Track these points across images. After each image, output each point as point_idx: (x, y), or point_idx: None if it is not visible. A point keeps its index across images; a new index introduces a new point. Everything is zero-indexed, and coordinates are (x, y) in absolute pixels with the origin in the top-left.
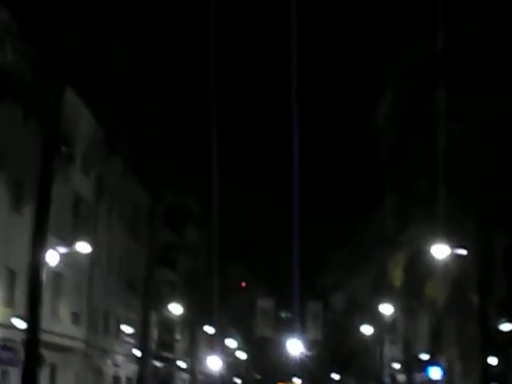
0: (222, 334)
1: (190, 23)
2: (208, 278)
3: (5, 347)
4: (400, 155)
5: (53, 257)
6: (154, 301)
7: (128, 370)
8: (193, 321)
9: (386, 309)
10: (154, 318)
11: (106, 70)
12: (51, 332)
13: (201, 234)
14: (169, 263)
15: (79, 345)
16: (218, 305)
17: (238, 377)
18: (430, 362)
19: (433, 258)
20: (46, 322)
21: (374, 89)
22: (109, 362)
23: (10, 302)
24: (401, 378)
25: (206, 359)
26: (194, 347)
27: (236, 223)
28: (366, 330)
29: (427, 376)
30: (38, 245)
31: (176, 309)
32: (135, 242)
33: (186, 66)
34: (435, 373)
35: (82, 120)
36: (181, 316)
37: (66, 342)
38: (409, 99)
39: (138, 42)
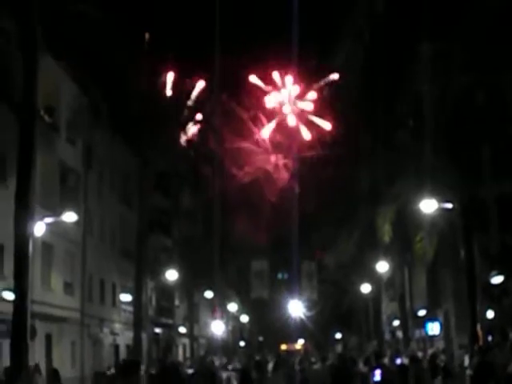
0: (222, 299)
1: None
2: (205, 244)
3: None
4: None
5: (40, 227)
6: (149, 267)
7: (127, 337)
8: (191, 286)
9: (382, 266)
10: (151, 284)
11: (84, 37)
12: (43, 303)
13: (196, 199)
14: (163, 229)
15: (74, 314)
16: (217, 269)
17: (242, 340)
18: (428, 318)
19: (420, 213)
20: (37, 292)
21: None
22: (106, 330)
23: None
24: (400, 334)
25: (207, 324)
26: (194, 312)
27: None
28: (364, 288)
29: (426, 332)
30: (21, 215)
31: (173, 274)
32: (128, 209)
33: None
34: (434, 328)
35: (65, 89)
36: (179, 281)
37: (60, 312)
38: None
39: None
